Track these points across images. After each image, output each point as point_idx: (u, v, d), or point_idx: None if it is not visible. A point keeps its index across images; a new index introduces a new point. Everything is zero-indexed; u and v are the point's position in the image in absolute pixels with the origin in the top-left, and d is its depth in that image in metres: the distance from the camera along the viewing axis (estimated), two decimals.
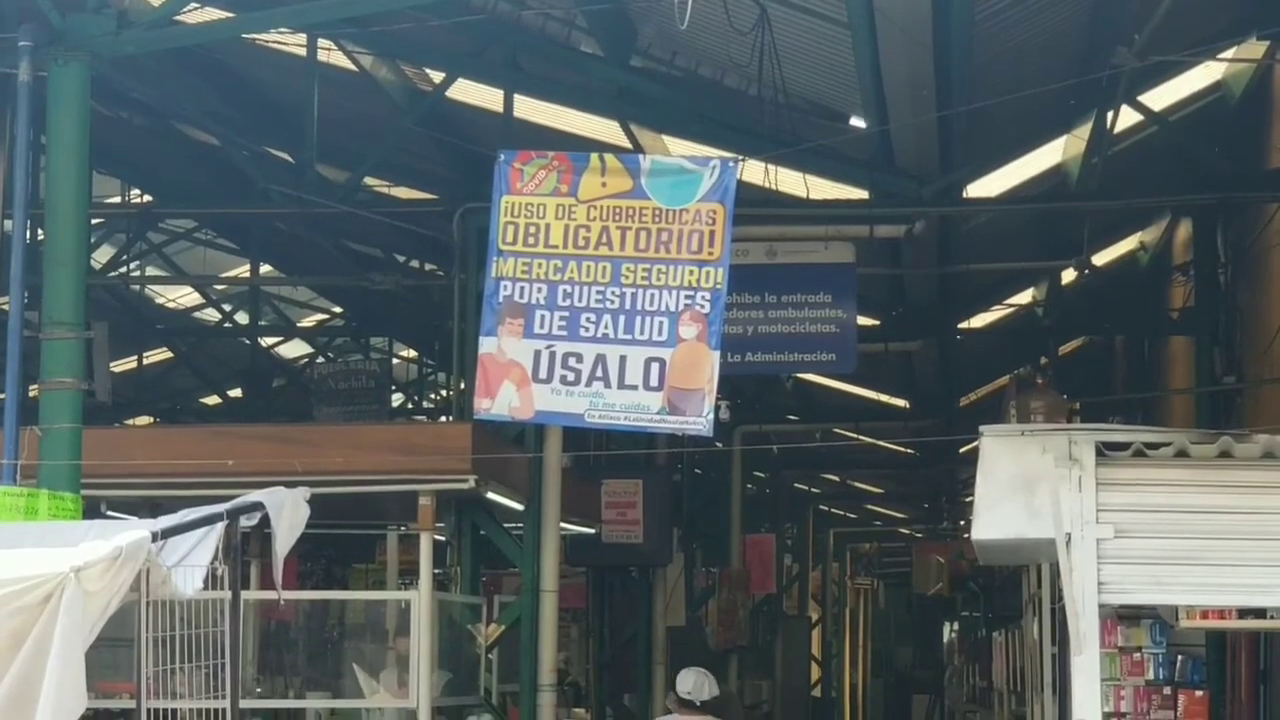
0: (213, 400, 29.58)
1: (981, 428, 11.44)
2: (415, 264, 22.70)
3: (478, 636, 17.77)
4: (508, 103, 17.39)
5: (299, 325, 29.24)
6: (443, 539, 16.40)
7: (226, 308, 28.22)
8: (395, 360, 28.48)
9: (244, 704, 11.25)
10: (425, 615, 15.51)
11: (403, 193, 21.78)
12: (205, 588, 9.64)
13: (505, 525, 17.75)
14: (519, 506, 16.90)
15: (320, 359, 28.66)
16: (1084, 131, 19.28)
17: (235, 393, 29.14)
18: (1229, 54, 17.93)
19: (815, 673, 41.78)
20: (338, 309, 28.20)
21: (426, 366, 27.63)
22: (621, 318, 11.67)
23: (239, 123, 19.96)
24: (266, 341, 28.68)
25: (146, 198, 21.93)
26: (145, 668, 9.11)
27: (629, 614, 23.04)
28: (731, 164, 12.09)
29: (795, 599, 38.04)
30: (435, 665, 15.52)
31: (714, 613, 26.98)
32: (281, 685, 15.83)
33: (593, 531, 20.49)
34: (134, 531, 8.83)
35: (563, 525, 17.22)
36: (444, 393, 24.02)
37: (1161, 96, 19.26)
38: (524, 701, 16.50)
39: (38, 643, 8.09)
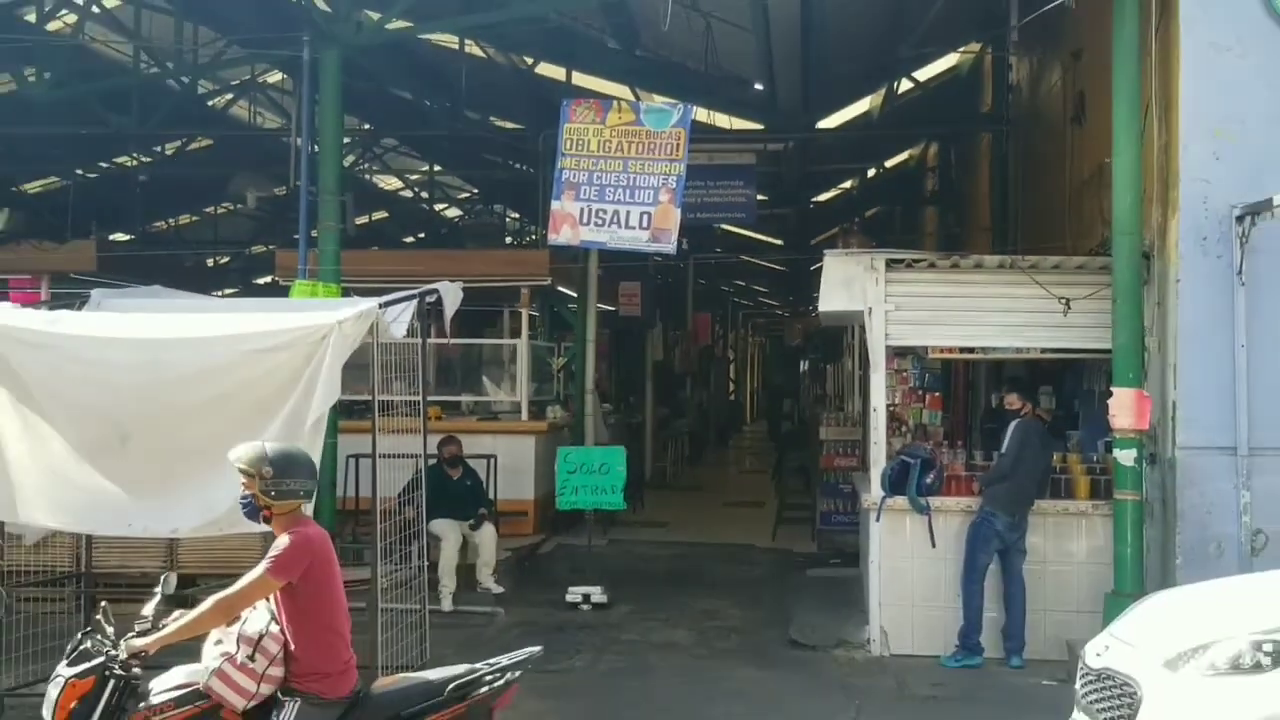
0: (409, 239, 29.69)
1: (825, 251, 11.81)
2: (516, 165, 22.96)
3: (551, 364, 18.33)
4: (568, 75, 17.62)
5: (456, 198, 29.44)
6: (534, 313, 16.71)
7: (414, 190, 28.26)
8: (508, 217, 28.68)
9: (431, 398, 11.61)
10: (524, 352, 16.02)
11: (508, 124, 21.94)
12: (406, 335, 10.20)
13: (567, 305, 18.23)
14: (574, 294, 17.37)
15: (466, 217, 28.91)
16: (880, 93, 19.71)
17: (421, 235, 29.31)
18: (959, 50, 18.33)
19: (730, 387, 42.66)
20: (475, 189, 28.13)
21: (524, 220, 27.72)
22: (626, 190, 11.63)
23: (421, 84, 20.15)
24: (438, 206, 28.87)
25: (367, 126, 22.14)
26: (375, 375, 9.65)
27: (632, 353, 23.46)
28: (688, 108, 12.08)
29: (720, 348, 38.61)
30: (528, 379, 16.10)
31: (678, 354, 27.36)
32: (448, 388, 16.45)
33: (613, 309, 20.96)
34: (369, 302, 9.04)
35: (598, 305, 17.65)
36: (532, 234, 24.19)
37: (924, 72, 19.47)
38: (576, 399, 17.05)
39: (316, 363, 8.17)
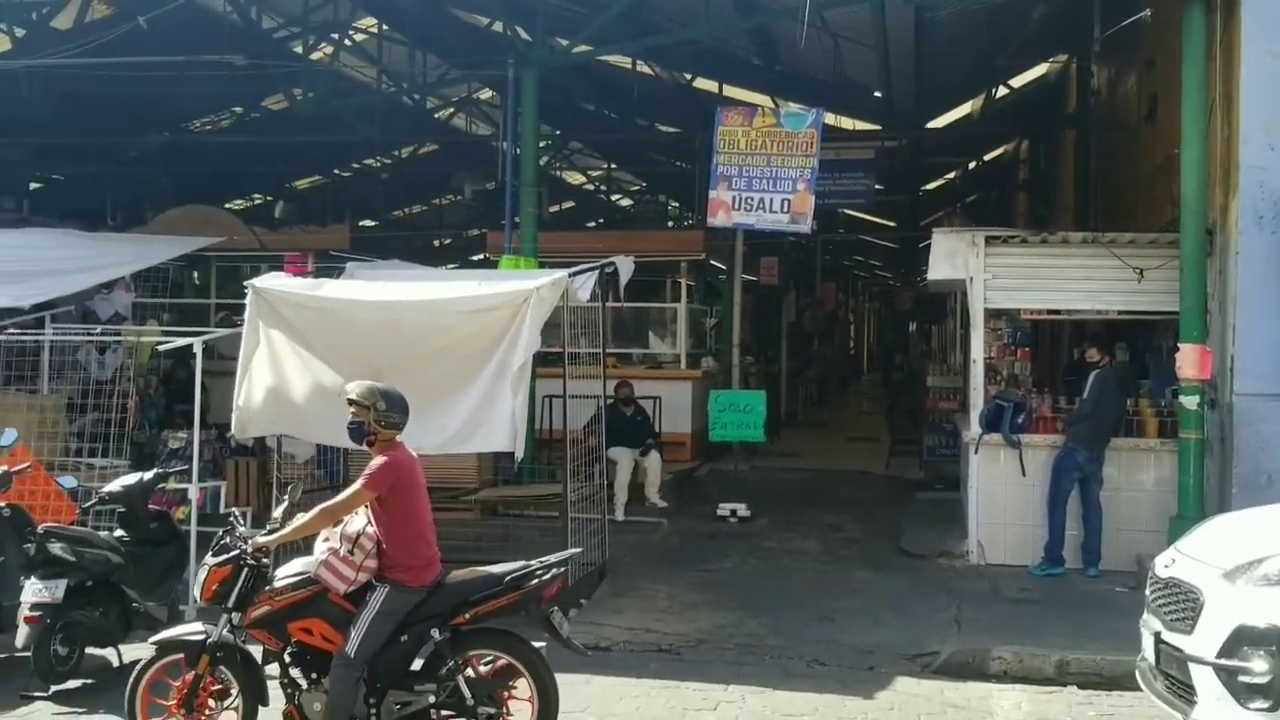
0: (591, 224, 29.84)
1: (934, 230, 11.57)
2: (676, 162, 22.90)
3: (705, 324, 18.26)
4: (719, 87, 17.44)
5: (628, 189, 29.42)
6: (690, 282, 16.68)
7: (595, 184, 28.23)
8: (669, 204, 28.56)
9: (609, 350, 11.48)
10: (683, 314, 15.99)
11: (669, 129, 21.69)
12: (590, 299, 10.27)
13: (718, 275, 18.11)
14: (724, 267, 17.26)
15: (636, 205, 28.91)
16: (980, 97, 19.07)
17: (600, 220, 29.48)
18: (1048, 60, 17.63)
19: (850, 344, 41.89)
20: (643, 183, 27.93)
21: (682, 207, 27.64)
22: (769, 181, 11.57)
23: (600, 97, 20.15)
24: (613, 197, 28.92)
25: (558, 132, 22.31)
26: (565, 332, 9.71)
27: (770, 315, 23.21)
28: (819, 112, 11.99)
29: (842, 312, 37.93)
30: (686, 335, 16.02)
31: (808, 317, 27.01)
32: (622, 343, 16.48)
33: (755, 279, 20.76)
34: (560, 273, 9.11)
35: (743, 276, 17.48)
36: (689, 218, 24.15)
37: (1018, 79, 18.80)
38: (724, 353, 16.89)
39: (519, 321, 8.28)
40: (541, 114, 13.44)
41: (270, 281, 8.97)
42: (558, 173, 25.25)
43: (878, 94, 16.32)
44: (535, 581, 5.89)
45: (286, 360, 8.77)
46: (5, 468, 8.14)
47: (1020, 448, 10.37)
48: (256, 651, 6.06)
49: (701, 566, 10.46)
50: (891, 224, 29.28)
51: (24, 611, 7.14)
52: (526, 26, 13.11)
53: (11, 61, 13.47)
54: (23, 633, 7.13)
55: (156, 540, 8.11)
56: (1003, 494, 10.47)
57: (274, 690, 6.01)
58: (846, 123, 18.73)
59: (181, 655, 5.96)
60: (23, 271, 10.26)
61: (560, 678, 7.26)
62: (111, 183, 20.51)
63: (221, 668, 5.95)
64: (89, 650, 7.51)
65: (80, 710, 6.94)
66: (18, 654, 7.50)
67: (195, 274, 16.43)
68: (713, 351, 17.06)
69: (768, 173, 11.69)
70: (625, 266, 10.43)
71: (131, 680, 6.03)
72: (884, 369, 35.36)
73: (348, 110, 17.55)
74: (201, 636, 5.94)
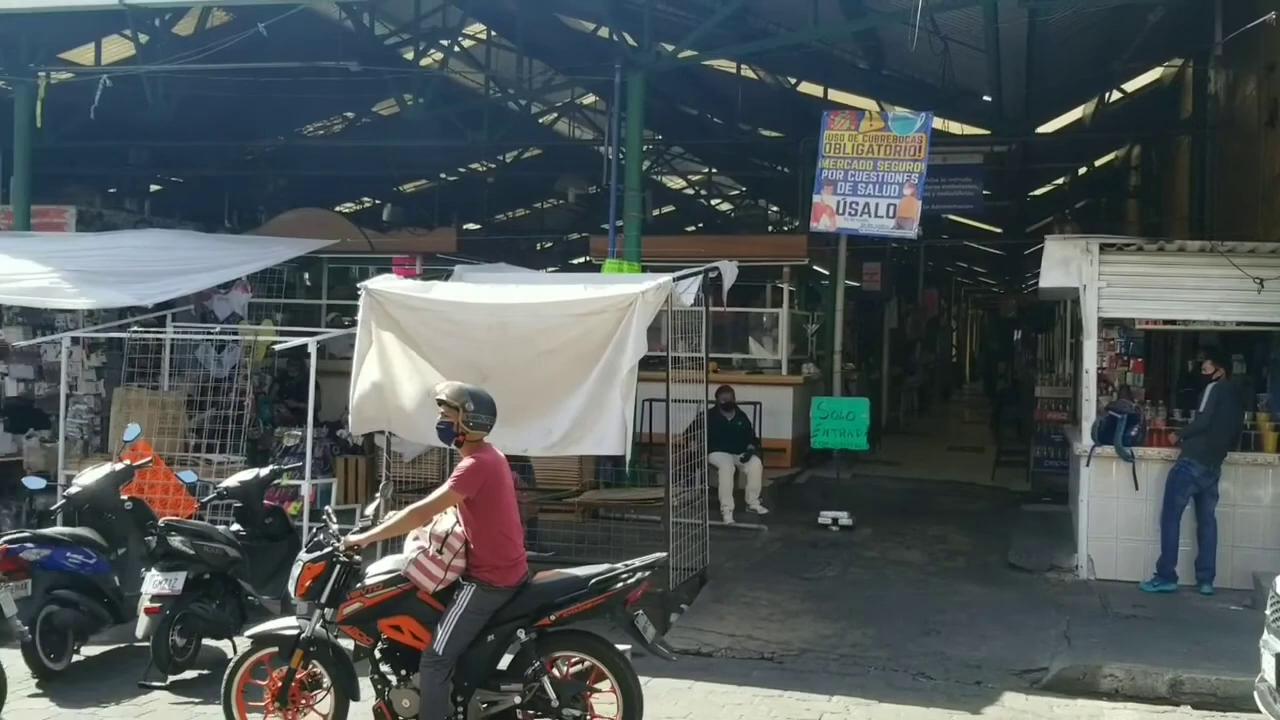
0: (690, 228, 29.73)
1: (1047, 237, 11.23)
2: (777, 167, 22.74)
3: (806, 329, 18.05)
4: (824, 92, 17.22)
5: (727, 194, 29.23)
6: (792, 287, 16.52)
7: (695, 188, 28.14)
8: (769, 209, 28.31)
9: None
10: (784, 319, 15.83)
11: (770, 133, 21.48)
12: (692, 304, 10.21)
13: (820, 281, 17.88)
14: (826, 272, 17.04)
15: (736, 210, 28.74)
16: (1093, 102, 18.53)
17: (699, 224, 29.36)
18: (1164, 65, 17.06)
19: (952, 352, 41.04)
20: (743, 187, 27.66)
21: (782, 212, 27.40)
22: (875, 186, 11.33)
23: (702, 102, 20.06)
24: (713, 201, 28.80)
25: (659, 137, 22.23)
26: (668, 335, 9.65)
27: (872, 322, 22.85)
28: (929, 116, 11.71)
29: (945, 319, 37.17)
30: (787, 339, 15.87)
31: (910, 323, 26.53)
32: (721, 347, 16.27)
33: (858, 284, 20.38)
34: (664, 277, 8.92)
35: (846, 281, 17.23)
36: (790, 223, 23.94)
37: (1132, 84, 18.23)
38: (825, 359, 16.68)
39: (625, 325, 8.24)
40: (645, 118, 13.43)
41: (382, 283, 9.06)
42: (658, 177, 25.23)
43: (987, 98, 15.97)
44: (620, 585, 5.91)
45: (396, 361, 8.86)
46: (128, 462, 8.42)
47: (1134, 461, 10.06)
48: (349, 647, 6.17)
49: (803, 575, 10.32)
50: (997, 230, 28.64)
51: (144, 602, 7.35)
52: (633, 32, 13.11)
53: (135, 67, 13.86)
54: (143, 623, 7.34)
55: (271, 535, 8.31)
56: (1114, 508, 10.16)
57: (365, 685, 6.11)
58: (954, 127, 18.37)
59: (276, 649, 6.08)
60: (146, 271, 10.59)
61: (661, 682, 7.37)
62: (228, 186, 21.07)
63: (314, 662, 6.06)
64: (205, 642, 7.68)
65: (196, 700, 7.10)
66: (137, 643, 7.75)
67: (306, 275, 16.76)
68: (814, 357, 16.82)
69: (874, 177, 11.47)
70: (729, 271, 10.39)
71: (228, 672, 6.18)
72: (986, 378, 34.69)
73: (456, 116, 17.75)
74: (295, 631, 6.05)
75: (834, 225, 11.66)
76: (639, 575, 5.96)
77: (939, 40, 12.91)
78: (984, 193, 19.41)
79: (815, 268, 16.49)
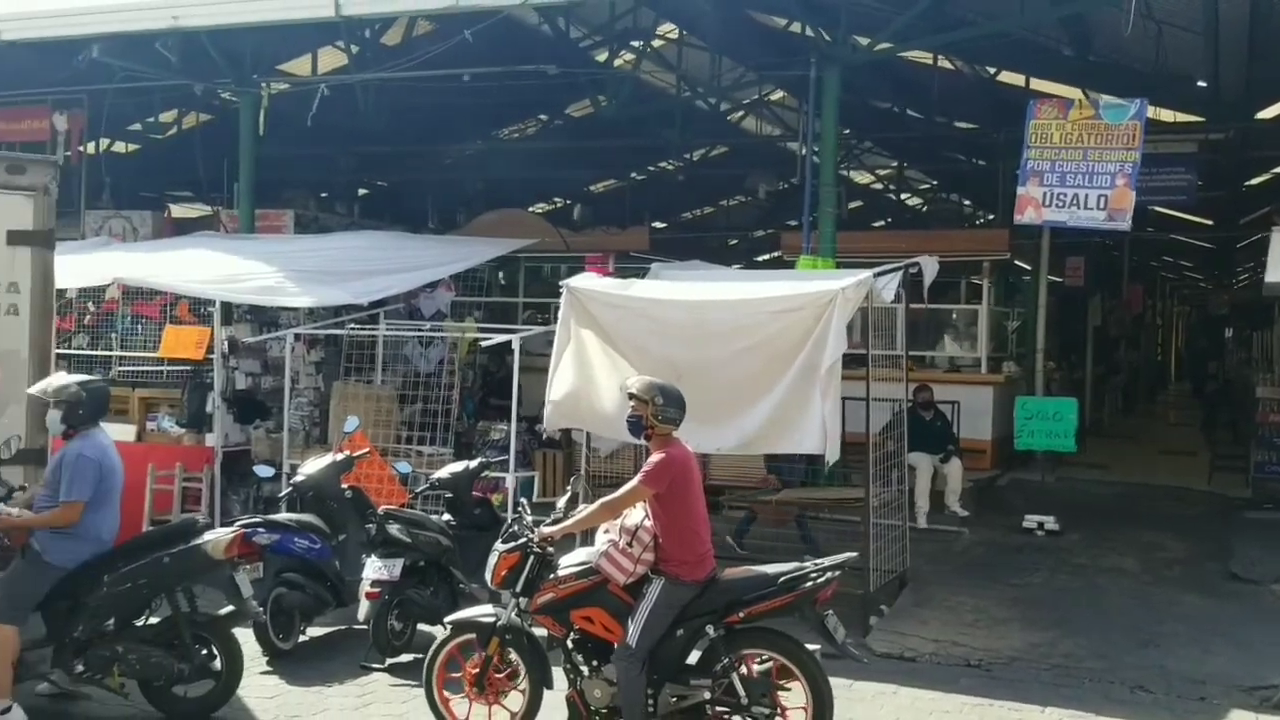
0: (877, 224, 29.03)
1: (1275, 229, 10.59)
2: (971, 159, 22.01)
3: (1006, 326, 17.39)
4: (1026, 81, 16.62)
5: (916, 188, 28.36)
6: (988, 282, 15.85)
7: (884, 182, 27.37)
8: (961, 202, 27.44)
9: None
10: (984, 315, 15.32)
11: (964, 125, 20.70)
12: (892, 300, 9.92)
13: (1021, 276, 17.22)
14: (1028, 267, 16.44)
15: (926, 204, 27.92)
16: None
17: (887, 220, 28.66)
18: None
19: (1157, 350, 38.92)
20: (933, 181, 27.01)
21: (974, 205, 26.55)
22: (1085, 176, 10.87)
23: (893, 94, 19.54)
24: (902, 196, 28.03)
25: (846, 130, 21.61)
26: (870, 333, 9.41)
27: (1073, 319, 21.83)
28: (1143, 103, 11.14)
29: (1149, 315, 35.26)
30: (988, 336, 15.34)
31: (1113, 320, 25.33)
32: (916, 345, 15.72)
33: (1059, 280, 19.57)
34: (864, 273, 8.74)
35: (1050, 278, 16.57)
36: (984, 217, 23.16)
37: None
38: (1025, 357, 15.96)
39: (824, 322, 8.07)
40: (821, 112, 13.10)
41: (582, 281, 9.20)
42: (846, 172, 24.74)
43: (1202, 83, 15.04)
44: (809, 584, 5.84)
45: (594, 357, 8.96)
46: (348, 453, 8.80)
47: None
48: (542, 636, 6.28)
49: (1009, 580, 9.97)
50: (1207, 222, 26.97)
51: (365, 587, 7.67)
52: (826, 26, 12.88)
53: (349, 76, 14.49)
54: (364, 607, 7.66)
55: (479, 525, 8.53)
56: None
57: (558, 675, 6.18)
58: (1165, 115, 17.36)
59: (473, 635, 6.22)
60: (361, 271, 11.06)
61: (865, 686, 7.25)
62: (430, 189, 21.83)
63: (510, 650, 6.19)
64: (420, 626, 7.95)
65: (413, 683, 7.29)
66: (355, 626, 8.09)
67: (501, 274, 17.19)
68: (1014, 355, 16.22)
69: (1083, 167, 10.99)
70: (929, 267, 10.04)
71: (429, 656, 6.36)
72: (1194, 378, 32.84)
73: (650, 116, 17.86)
74: (492, 619, 6.18)
75: (1040, 217, 11.21)
76: (829, 574, 5.89)
77: (1152, 24, 12.22)
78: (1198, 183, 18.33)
79: (1017, 263, 15.90)
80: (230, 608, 6.73)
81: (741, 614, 5.85)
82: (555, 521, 6.18)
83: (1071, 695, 7.26)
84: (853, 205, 28.49)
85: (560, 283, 9.11)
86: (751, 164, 23.08)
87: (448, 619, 6.50)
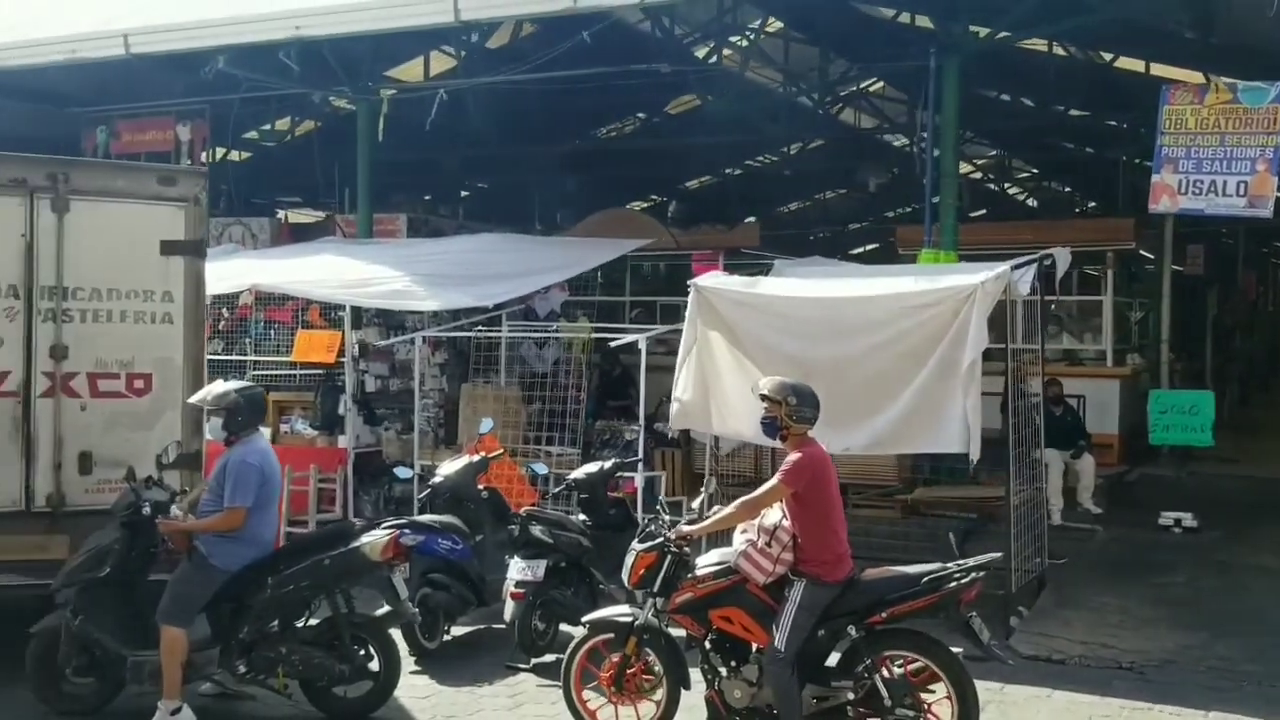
0: (974, 214, 28.50)
1: None
2: (1077, 146, 21.44)
3: (1129, 317, 16.82)
4: (1146, 66, 16.13)
5: (1015, 177, 27.63)
6: (1111, 272, 15.32)
7: (983, 172, 26.80)
8: (1064, 190, 26.61)
9: (1029, 346, 11.04)
10: (1109, 306, 14.63)
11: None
12: (1029, 293, 9.65)
13: (1143, 265, 16.67)
14: (1152, 257, 15.94)
15: (1028, 194, 27.21)
16: None
17: (983, 210, 28.02)
18: None
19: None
20: (1034, 169, 26.00)
21: (1080, 194, 25.86)
22: (1223, 163, 10.54)
23: (1001, 82, 19.02)
24: (1004, 186, 27.37)
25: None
26: (1009, 327, 9.15)
27: (1191, 309, 21.05)
28: None
29: (1266, 303, 33.97)
30: (1112, 330, 14.61)
31: (1229, 308, 24.50)
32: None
33: (1181, 269, 18.92)
34: (1002, 266, 8.45)
35: (1174, 267, 16.08)
36: (1085, 208, 22.56)
37: None
38: (1150, 348, 15.49)
39: (963, 317, 7.90)
40: (940, 103, 12.83)
41: (710, 280, 9.13)
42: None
43: None
44: (954, 584, 5.74)
45: (720, 357, 8.88)
46: (484, 454, 8.87)
47: None
48: (679, 636, 6.23)
49: (1150, 579, 9.68)
50: None
51: (509, 588, 7.72)
52: (946, 14, 12.62)
53: (463, 80, 14.61)
54: (509, 608, 7.72)
55: (614, 525, 8.53)
56: None
57: (695, 675, 6.16)
58: None
59: (611, 635, 6.22)
60: (483, 274, 11.15)
61: (1016, 689, 7.11)
62: (530, 189, 21.95)
63: (647, 649, 6.17)
64: (562, 626, 7.97)
65: (558, 684, 7.34)
66: (494, 625, 8.17)
67: (598, 273, 17.14)
68: (1137, 347, 15.74)
69: (1221, 153, 10.66)
70: (1062, 258, 9.79)
71: (567, 655, 6.39)
72: None
73: (750, 112, 17.73)
74: (629, 619, 6.18)
75: (1176, 205, 10.90)
76: (973, 575, 5.79)
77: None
78: None
79: (1141, 251, 15.44)
80: (386, 609, 6.80)
81: (884, 614, 5.78)
82: (689, 521, 6.17)
83: (1233, 699, 7.03)
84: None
85: (688, 282, 9.04)
86: (848, 156, 22.82)
87: (585, 619, 6.53)
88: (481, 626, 8.47)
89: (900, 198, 28.60)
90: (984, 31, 12.75)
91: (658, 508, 6.55)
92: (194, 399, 6.89)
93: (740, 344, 8.83)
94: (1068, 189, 26.40)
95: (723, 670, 6.03)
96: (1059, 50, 16.49)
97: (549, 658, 7.75)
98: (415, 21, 11.43)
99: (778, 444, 6.17)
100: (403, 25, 11.59)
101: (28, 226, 7.29)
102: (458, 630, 8.29)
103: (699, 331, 8.91)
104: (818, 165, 24.73)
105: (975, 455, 8.09)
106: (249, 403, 6.64)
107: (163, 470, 7.07)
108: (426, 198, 21.89)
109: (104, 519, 6.92)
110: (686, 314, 8.94)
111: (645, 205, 26.87)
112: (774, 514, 5.94)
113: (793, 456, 5.86)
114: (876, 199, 28.89)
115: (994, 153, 24.87)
